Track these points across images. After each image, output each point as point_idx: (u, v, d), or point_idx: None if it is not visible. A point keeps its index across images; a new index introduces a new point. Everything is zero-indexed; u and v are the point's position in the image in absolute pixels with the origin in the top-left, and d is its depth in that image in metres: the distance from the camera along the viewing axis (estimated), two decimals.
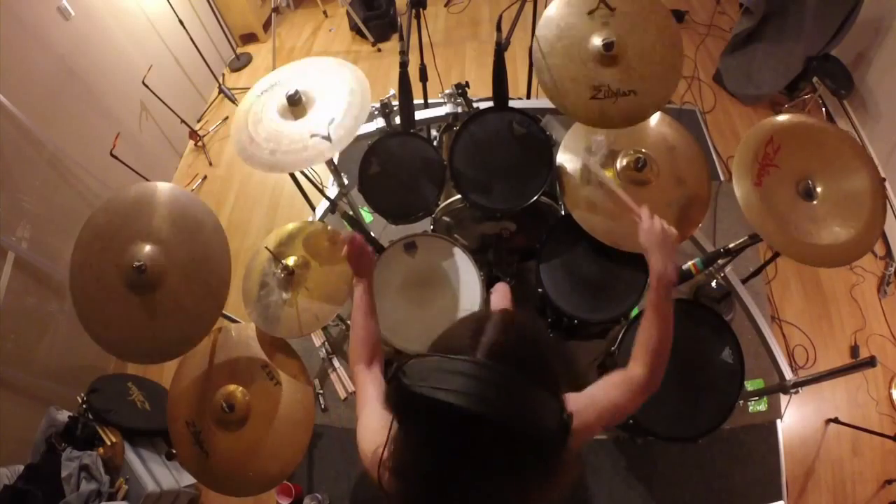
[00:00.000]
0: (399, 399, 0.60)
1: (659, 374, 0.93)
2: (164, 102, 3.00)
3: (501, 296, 1.71)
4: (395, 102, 1.81)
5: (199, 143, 3.31)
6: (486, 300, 1.60)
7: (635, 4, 1.45)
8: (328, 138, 1.42)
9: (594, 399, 0.87)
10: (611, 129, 1.58)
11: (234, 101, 3.40)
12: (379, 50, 3.74)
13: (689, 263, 1.65)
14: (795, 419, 2.12)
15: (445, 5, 4.00)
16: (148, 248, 1.35)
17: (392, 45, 3.73)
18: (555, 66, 1.44)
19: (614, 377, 0.93)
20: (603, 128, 1.59)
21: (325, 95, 1.50)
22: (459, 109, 1.89)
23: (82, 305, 1.36)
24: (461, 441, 0.56)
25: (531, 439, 0.57)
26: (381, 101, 1.82)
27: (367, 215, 2.58)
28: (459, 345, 0.61)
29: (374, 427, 0.81)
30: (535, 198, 1.60)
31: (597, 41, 1.41)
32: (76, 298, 1.37)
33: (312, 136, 1.43)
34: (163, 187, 1.42)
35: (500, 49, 1.63)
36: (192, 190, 3.14)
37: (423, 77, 2.12)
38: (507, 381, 0.57)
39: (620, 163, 1.57)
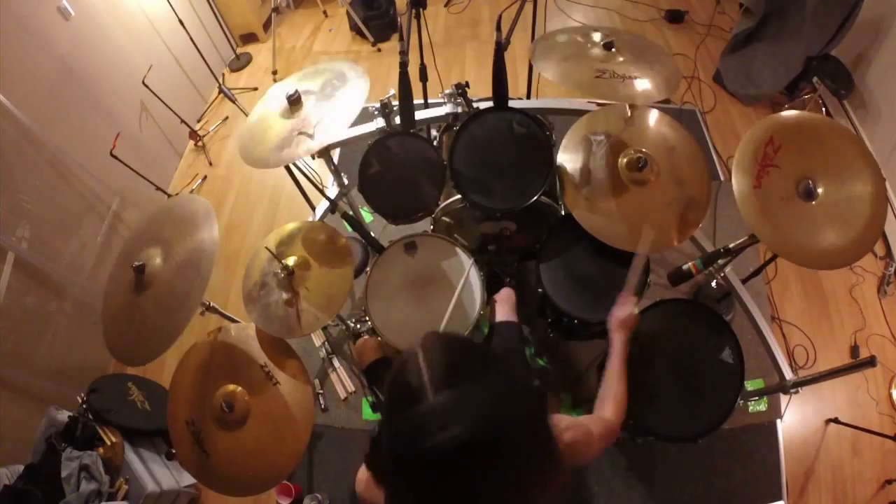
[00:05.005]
0: (394, 467, 0.61)
1: (622, 419, 1.08)
2: (164, 102, 3.00)
3: (504, 300, 1.72)
4: (395, 102, 1.81)
5: (199, 143, 3.31)
6: (485, 300, 1.60)
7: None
8: (311, 136, 1.45)
9: (578, 420, 0.96)
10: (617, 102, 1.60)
11: (234, 100, 3.40)
12: (379, 50, 3.74)
13: (689, 263, 1.65)
14: (795, 419, 2.12)
15: (445, 5, 4.00)
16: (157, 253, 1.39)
17: (392, 45, 3.73)
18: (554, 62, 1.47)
19: (594, 415, 1.07)
20: (610, 101, 1.60)
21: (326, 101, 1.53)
22: (459, 109, 1.89)
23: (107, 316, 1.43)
24: (467, 474, 0.56)
25: (520, 422, 0.61)
26: (381, 101, 1.82)
27: (367, 215, 2.58)
28: (411, 397, 0.60)
29: None
30: (535, 198, 1.60)
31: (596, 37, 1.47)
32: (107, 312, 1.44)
33: (299, 133, 1.46)
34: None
35: (500, 49, 1.63)
36: (192, 190, 3.14)
37: (423, 77, 2.12)
38: (471, 396, 0.59)
39: (620, 163, 1.57)
